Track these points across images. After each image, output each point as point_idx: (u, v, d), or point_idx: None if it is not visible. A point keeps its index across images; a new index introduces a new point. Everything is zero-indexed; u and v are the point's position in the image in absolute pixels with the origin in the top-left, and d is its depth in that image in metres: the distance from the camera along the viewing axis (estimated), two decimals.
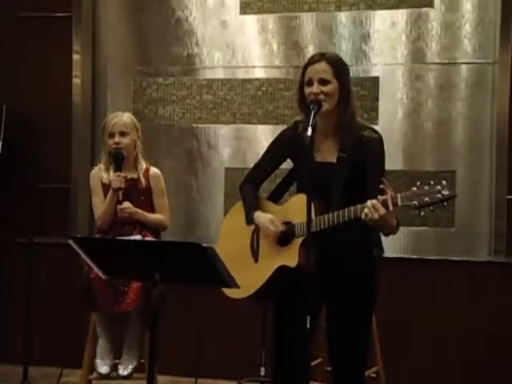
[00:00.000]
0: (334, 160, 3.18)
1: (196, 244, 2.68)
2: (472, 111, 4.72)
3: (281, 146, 3.35)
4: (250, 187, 3.39)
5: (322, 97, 3.12)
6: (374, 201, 2.92)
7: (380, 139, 3.19)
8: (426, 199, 2.86)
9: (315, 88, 3.14)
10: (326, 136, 3.21)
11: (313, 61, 3.20)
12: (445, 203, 2.87)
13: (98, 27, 5.26)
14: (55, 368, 4.33)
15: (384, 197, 2.90)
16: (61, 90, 5.22)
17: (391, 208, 2.89)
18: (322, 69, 3.16)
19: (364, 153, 3.14)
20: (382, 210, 2.90)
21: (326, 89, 3.14)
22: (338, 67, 3.19)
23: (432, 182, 2.88)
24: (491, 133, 4.68)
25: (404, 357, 4.64)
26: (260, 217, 3.27)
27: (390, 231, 3.04)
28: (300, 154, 3.18)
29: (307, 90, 3.16)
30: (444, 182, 2.87)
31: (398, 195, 2.91)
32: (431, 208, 2.88)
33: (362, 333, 3.23)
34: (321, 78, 3.14)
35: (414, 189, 2.89)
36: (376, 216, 2.90)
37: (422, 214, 2.91)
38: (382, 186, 2.91)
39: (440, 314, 4.70)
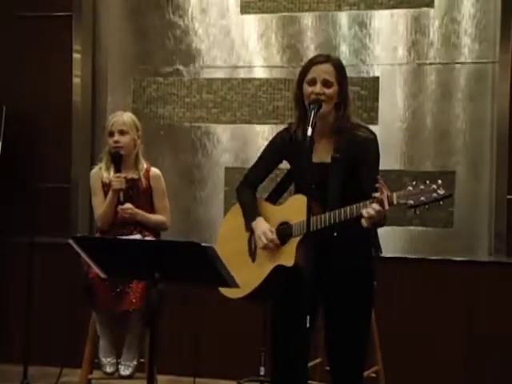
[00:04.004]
0: (329, 160, 3.19)
1: (196, 243, 2.68)
2: (472, 111, 4.72)
3: (276, 148, 3.37)
4: (247, 190, 3.42)
5: (323, 97, 3.14)
6: (370, 210, 2.92)
7: (375, 139, 3.22)
8: (422, 198, 2.87)
9: (318, 88, 3.15)
10: (322, 137, 3.22)
11: (318, 61, 3.21)
12: (441, 202, 2.87)
13: (98, 27, 5.26)
14: (55, 368, 4.32)
15: (380, 196, 2.91)
16: (61, 89, 5.22)
17: (387, 207, 2.91)
18: (326, 70, 3.18)
19: (359, 152, 3.15)
20: (379, 211, 2.91)
21: (328, 91, 3.16)
22: (341, 71, 3.22)
23: (428, 182, 2.89)
24: (491, 132, 4.68)
25: (404, 357, 4.64)
26: (256, 225, 3.30)
27: (380, 225, 3.06)
28: (296, 155, 3.21)
29: (308, 88, 3.17)
30: (439, 182, 2.88)
31: (394, 194, 2.92)
32: (426, 207, 2.89)
33: (361, 332, 3.23)
34: (325, 79, 3.16)
35: (410, 188, 2.90)
36: (377, 218, 2.93)
37: (418, 213, 2.92)
38: (377, 185, 2.91)
39: (440, 313, 4.70)
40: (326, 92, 3.15)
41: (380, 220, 2.96)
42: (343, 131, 3.20)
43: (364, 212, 2.93)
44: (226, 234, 3.51)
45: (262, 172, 3.43)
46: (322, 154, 3.21)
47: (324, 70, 3.18)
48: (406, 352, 4.66)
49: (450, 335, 4.69)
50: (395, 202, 2.91)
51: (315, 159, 3.18)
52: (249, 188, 3.42)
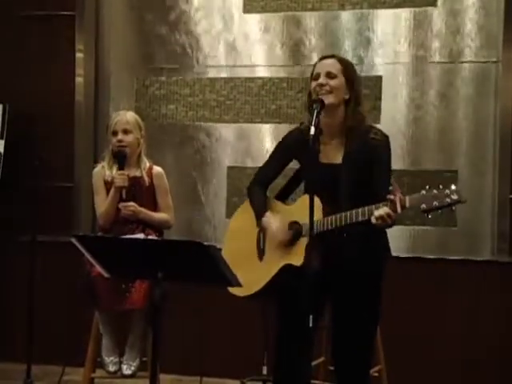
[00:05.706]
0: (340, 161, 3.19)
1: (198, 243, 2.69)
2: (475, 110, 4.72)
3: (287, 147, 3.38)
4: (258, 189, 3.42)
5: (327, 88, 3.14)
6: (381, 211, 2.92)
7: (387, 141, 3.22)
8: (435, 203, 2.87)
9: (321, 79, 3.17)
10: (332, 137, 3.22)
11: (322, 58, 3.27)
12: (453, 207, 2.87)
13: (101, 26, 5.26)
14: (57, 366, 4.33)
15: (393, 199, 2.91)
16: (64, 88, 5.23)
17: (399, 211, 2.91)
18: (330, 63, 3.22)
19: (371, 153, 3.15)
20: (389, 214, 2.91)
21: (332, 82, 3.17)
22: (346, 66, 3.24)
23: (441, 186, 2.89)
24: (494, 132, 4.68)
25: (406, 356, 4.63)
26: (269, 221, 3.29)
27: (389, 226, 3.06)
28: (305, 154, 3.20)
29: (313, 83, 3.20)
30: (453, 187, 2.88)
31: (407, 198, 2.92)
32: (439, 212, 2.88)
33: (368, 332, 3.24)
34: (328, 71, 3.19)
35: (423, 192, 2.90)
36: (389, 222, 2.93)
37: (430, 216, 2.91)
38: (390, 188, 2.91)
39: (442, 313, 4.70)
40: (329, 82, 3.16)
41: (391, 222, 2.96)
42: (354, 132, 3.19)
43: (375, 212, 2.93)
44: (235, 231, 3.52)
45: (272, 171, 3.43)
46: (332, 154, 3.22)
47: (327, 64, 3.22)
48: (409, 351, 4.66)
49: (452, 335, 4.68)
50: (408, 205, 2.91)
51: (324, 160, 3.20)
52: (259, 186, 3.42)
